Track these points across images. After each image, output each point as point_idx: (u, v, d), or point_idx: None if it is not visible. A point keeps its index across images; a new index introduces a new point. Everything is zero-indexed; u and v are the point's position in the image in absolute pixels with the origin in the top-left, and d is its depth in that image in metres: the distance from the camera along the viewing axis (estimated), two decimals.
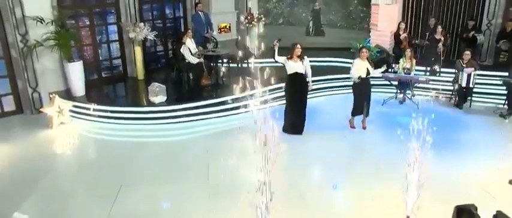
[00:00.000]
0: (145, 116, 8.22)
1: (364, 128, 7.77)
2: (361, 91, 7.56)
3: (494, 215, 3.56)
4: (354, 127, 7.78)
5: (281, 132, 7.36)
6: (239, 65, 10.26)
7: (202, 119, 8.29)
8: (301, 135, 7.46)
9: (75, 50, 9.18)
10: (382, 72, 8.36)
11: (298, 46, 7.17)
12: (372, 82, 9.72)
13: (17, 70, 8.42)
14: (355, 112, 7.73)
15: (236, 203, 5.08)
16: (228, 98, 8.48)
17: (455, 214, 3.63)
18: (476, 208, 3.59)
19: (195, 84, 9.29)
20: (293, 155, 6.52)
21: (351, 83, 7.71)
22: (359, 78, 7.40)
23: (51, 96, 8.21)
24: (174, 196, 5.50)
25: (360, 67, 7.42)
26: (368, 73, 7.44)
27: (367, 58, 7.47)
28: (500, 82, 8.79)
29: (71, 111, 8.33)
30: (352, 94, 7.77)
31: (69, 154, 7.04)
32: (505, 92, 8.56)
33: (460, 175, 5.85)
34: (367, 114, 7.73)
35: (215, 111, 8.39)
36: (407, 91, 9.22)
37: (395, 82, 9.34)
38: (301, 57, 7.18)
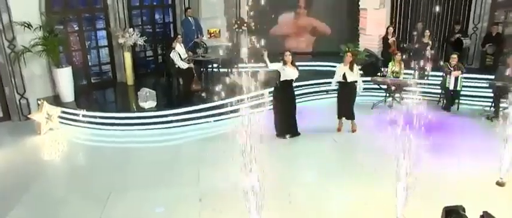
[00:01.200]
0: (135, 122, 8.17)
1: (353, 131, 7.83)
2: (339, 94, 7.75)
3: (481, 216, 3.61)
4: (339, 130, 7.86)
5: (275, 136, 7.44)
6: (229, 70, 10.27)
7: (193, 124, 8.27)
8: (298, 136, 7.54)
9: (63, 56, 9.12)
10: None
11: (287, 53, 7.23)
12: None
13: (4, 77, 8.33)
14: (337, 114, 7.85)
15: (227, 209, 5.09)
16: (219, 103, 8.48)
17: (443, 214, 3.67)
18: (464, 209, 3.64)
19: (185, 89, 9.27)
20: (283, 159, 6.56)
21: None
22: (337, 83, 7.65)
23: (39, 102, 8.13)
24: (165, 202, 5.47)
25: (339, 72, 7.60)
26: (344, 77, 7.49)
27: (350, 63, 7.44)
28: (486, 85, 8.93)
29: (60, 117, 8.25)
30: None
31: (58, 161, 6.96)
32: (491, 95, 8.70)
33: (448, 177, 5.91)
34: (351, 117, 7.78)
35: (205, 116, 8.38)
36: (396, 95, 9.31)
37: (384, 86, 9.44)
38: (293, 63, 7.25)
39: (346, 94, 7.64)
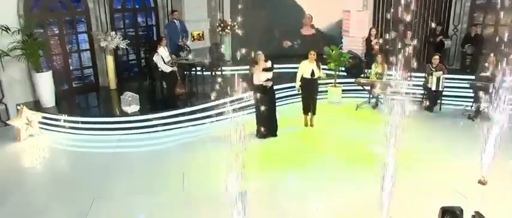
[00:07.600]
0: (118, 126, 8.05)
1: (311, 125, 8.20)
2: (307, 90, 8.04)
3: (472, 216, 3.63)
4: (306, 125, 8.23)
5: (255, 137, 7.47)
6: (213, 73, 10.23)
7: (177, 128, 8.19)
8: (275, 137, 7.61)
9: (44, 60, 8.92)
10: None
11: (260, 53, 7.39)
12: (344, 88, 9.93)
13: None
14: (304, 110, 8.21)
15: (212, 213, 5.05)
16: (202, 106, 8.44)
17: (440, 214, 3.67)
18: (461, 211, 3.59)
19: (169, 93, 9.19)
20: (267, 161, 6.54)
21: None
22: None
23: (18, 107, 7.95)
24: (149, 208, 5.39)
25: (305, 69, 7.87)
26: (313, 74, 7.83)
27: (315, 61, 7.87)
28: (467, 85, 9.08)
29: (41, 122, 8.07)
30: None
31: (38, 168, 6.79)
32: (472, 95, 8.85)
33: (430, 176, 5.98)
34: (315, 112, 8.17)
35: (190, 120, 8.31)
36: (380, 96, 9.40)
37: (368, 87, 9.52)
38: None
39: (313, 89, 8.10)
